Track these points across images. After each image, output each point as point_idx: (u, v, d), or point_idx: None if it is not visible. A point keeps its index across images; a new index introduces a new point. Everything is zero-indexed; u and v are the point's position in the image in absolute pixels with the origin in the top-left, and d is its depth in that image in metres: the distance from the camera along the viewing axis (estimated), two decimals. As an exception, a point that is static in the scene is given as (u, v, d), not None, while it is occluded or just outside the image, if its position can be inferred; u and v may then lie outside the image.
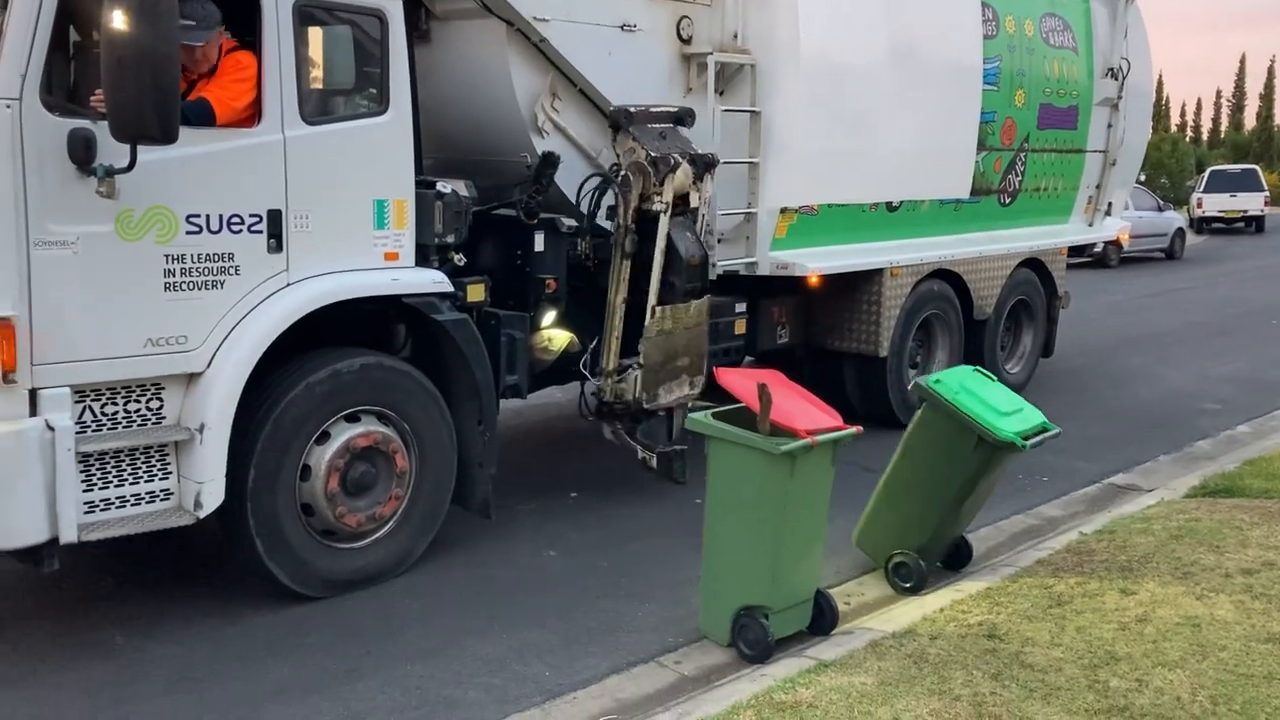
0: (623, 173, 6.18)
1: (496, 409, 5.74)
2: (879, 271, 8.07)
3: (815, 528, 4.76)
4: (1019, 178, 9.36)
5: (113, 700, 4.27)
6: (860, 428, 4.77)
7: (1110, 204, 10.71)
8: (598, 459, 7.29)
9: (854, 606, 5.22)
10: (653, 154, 6.09)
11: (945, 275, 8.75)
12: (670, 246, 6.07)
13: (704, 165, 6.28)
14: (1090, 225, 10.62)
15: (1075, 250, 11.22)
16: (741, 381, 4.71)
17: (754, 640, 4.61)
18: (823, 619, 4.87)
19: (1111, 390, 10.41)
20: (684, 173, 6.13)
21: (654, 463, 6.17)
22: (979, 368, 5.64)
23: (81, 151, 4.16)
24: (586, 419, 6.55)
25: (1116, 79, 10.10)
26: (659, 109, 6.43)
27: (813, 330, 8.34)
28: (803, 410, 4.73)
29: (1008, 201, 9.37)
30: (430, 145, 6.61)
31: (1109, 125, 10.23)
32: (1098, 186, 10.42)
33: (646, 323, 6.07)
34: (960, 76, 8.46)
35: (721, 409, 4.81)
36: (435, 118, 6.59)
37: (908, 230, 8.43)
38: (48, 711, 4.21)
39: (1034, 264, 9.83)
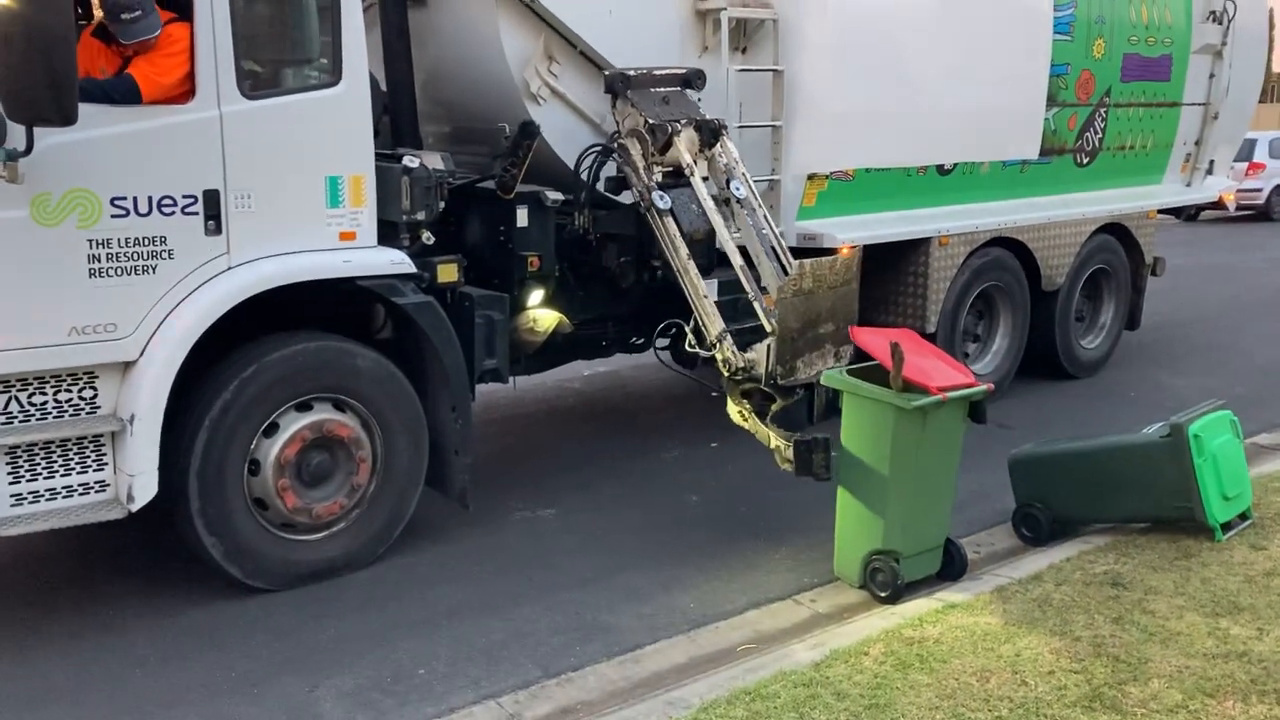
0: (620, 140, 5.77)
1: (471, 394, 5.45)
2: (925, 241, 7.45)
3: (946, 479, 4.99)
4: (1099, 135, 8.52)
5: (317, 614, 4.81)
6: (992, 385, 5.06)
7: (1212, 162, 9.71)
8: None
9: (983, 555, 5.44)
10: (650, 120, 5.66)
11: (1007, 243, 8.06)
12: (672, 219, 5.61)
13: (710, 131, 5.79)
14: (1189, 185, 9.66)
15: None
16: (875, 339, 5.04)
17: (885, 582, 4.88)
18: (952, 565, 5.10)
19: (1246, 350, 9.92)
20: (687, 139, 5.66)
21: (789, 453, 5.10)
22: (1235, 418, 5.56)
23: (-14, 135, 3.99)
24: (711, 395, 6.13)
25: (1220, 23, 9.08)
26: (663, 71, 5.97)
27: (856, 304, 7.78)
28: (935, 367, 4.97)
29: (1085, 161, 8.55)
30: (427, 113, 6.36)
31: (1211, 75, 9.23)
32: (1197, 143, 9.44)
33: (780, 283, 5.30)
34: (1025, 25, 7.70)
35: (855, 365, 5.08)
36: (432, 84, 6.32)
37: (964, 195, 7.75)
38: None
39: (1117, 229, 8.98)
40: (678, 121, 5.69)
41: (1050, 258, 8.32)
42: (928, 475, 4.86)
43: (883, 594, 4.88)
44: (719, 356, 5.45)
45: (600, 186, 6.00)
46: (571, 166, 6.06)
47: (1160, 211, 9.51)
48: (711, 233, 5.95)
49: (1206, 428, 5.28)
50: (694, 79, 6.04)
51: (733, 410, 5.48)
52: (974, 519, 5.79)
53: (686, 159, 5.62)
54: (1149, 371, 9.23)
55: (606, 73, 5.86)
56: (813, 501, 5.73)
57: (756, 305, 5.46)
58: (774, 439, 5.23)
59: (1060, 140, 8.25)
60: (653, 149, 5.68)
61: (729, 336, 5.46)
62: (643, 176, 5.65)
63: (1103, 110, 8.45)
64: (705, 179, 5.86)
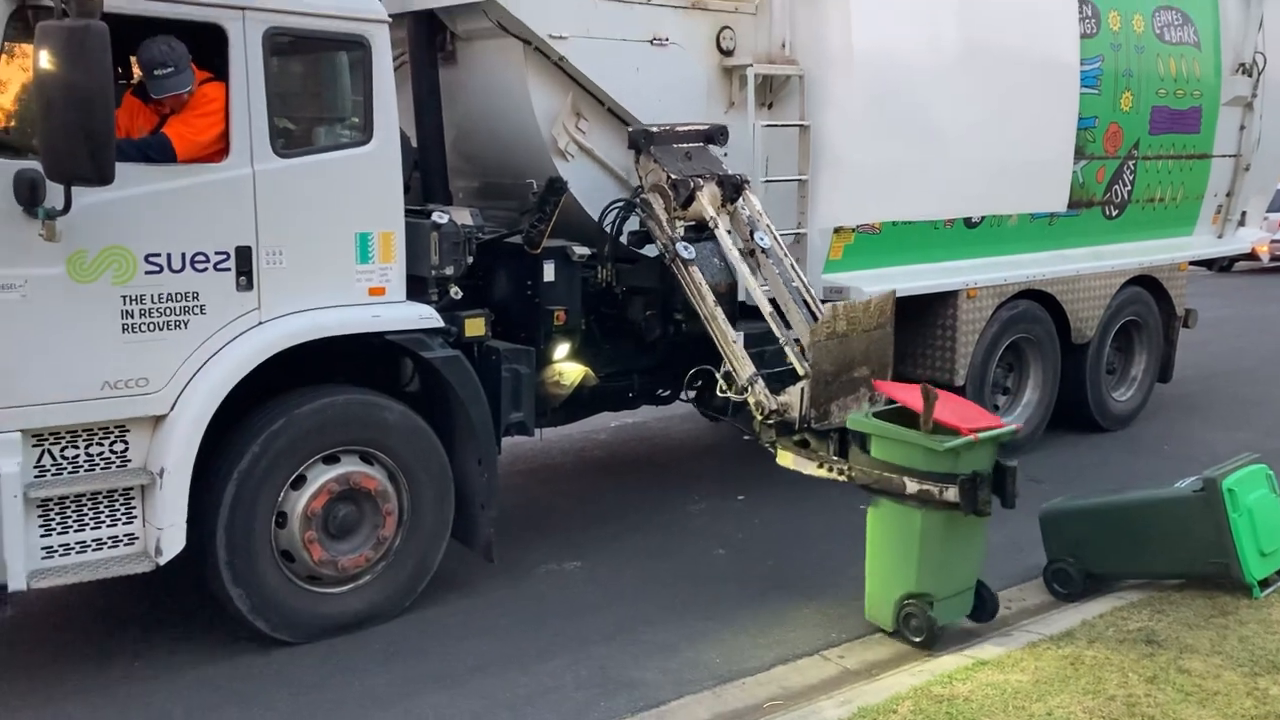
0: (643, 195, 5.83)
1: (497, 448, 5.47)
2: (954, 293, 7.44)
3: (977, 522, 4.93)
4: (1128, 188, 8.51)
5: (342, 667, 4.81)
6: (1019, 425, 5.17)
7: (1244, 213, 9.65)
8: (763, 464, 7.10)
9: (1015, 610, 5.40)
10: (673, 176, 5.71)
11: (1036, 295, 8.03)
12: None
13: (732, 186, 5.84)
14: (1220, 237, 9.60)
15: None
16: (899, 388, 5.17)
17: (919, 627, 4.87)
18: (983, 608, 5.13)
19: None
20: (710, 194, 5.72)
21: (949, 495, 4.72)
22: (1271, 472, 5.50)
23: (26, 193, 4.07)
24: (743, 438, 6.19)
25: (1250, 75, 9.08)
26: (686, 128, 6.03)
27: (884, 356, 7.76)
28: (962, 410, 5.06)
29: (1114, 214, 8.53)
30: (458, 169, 6.45)
31: (1241, 127, 9.22)
32: (1228, 194, 9.41)
33: (812, 326, 5.33)
34: (1051, 79, 7.71)
35: (879, 409, 5.15)
36: (462, 140, 6.41)
37: (991, 248, 7.75)
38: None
39: (1148, 281, 8.93)
40: (700, 177, 5.75)
41: (1080, 310, 8.27)
42: (960, 517, 4.83)
43: (917, 639, 4.86)
44: (751, 400, 5.45)
45: (624, 240, 6.05)
46: (594, 218, 6.11)
47: (1192, 263, 9.46)
48: (733, 286, 6.01)
49: (1242, 482, 5.22)
50: (716, 135, 6.10)
51: (785, 458, 5.43)
52: (1006, 573, 5.74)
53: (709, 213, 5.66)
54: (1182, 424, 9.14)
55: (630, 129, 5.93)
56: (839, 552, 5.75)
57: (788, 349, 5.49)
58: (828, 470, 5.20)
59: (1089, 193, 8.23)
60: (675, 204, 5.73)
61: (760, 380, 5.47)
62: (666, 230, 5.69)
63: (1131, 163, 8.44)
64: (729, 232, 5.91)
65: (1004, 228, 7.78)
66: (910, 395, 4.88)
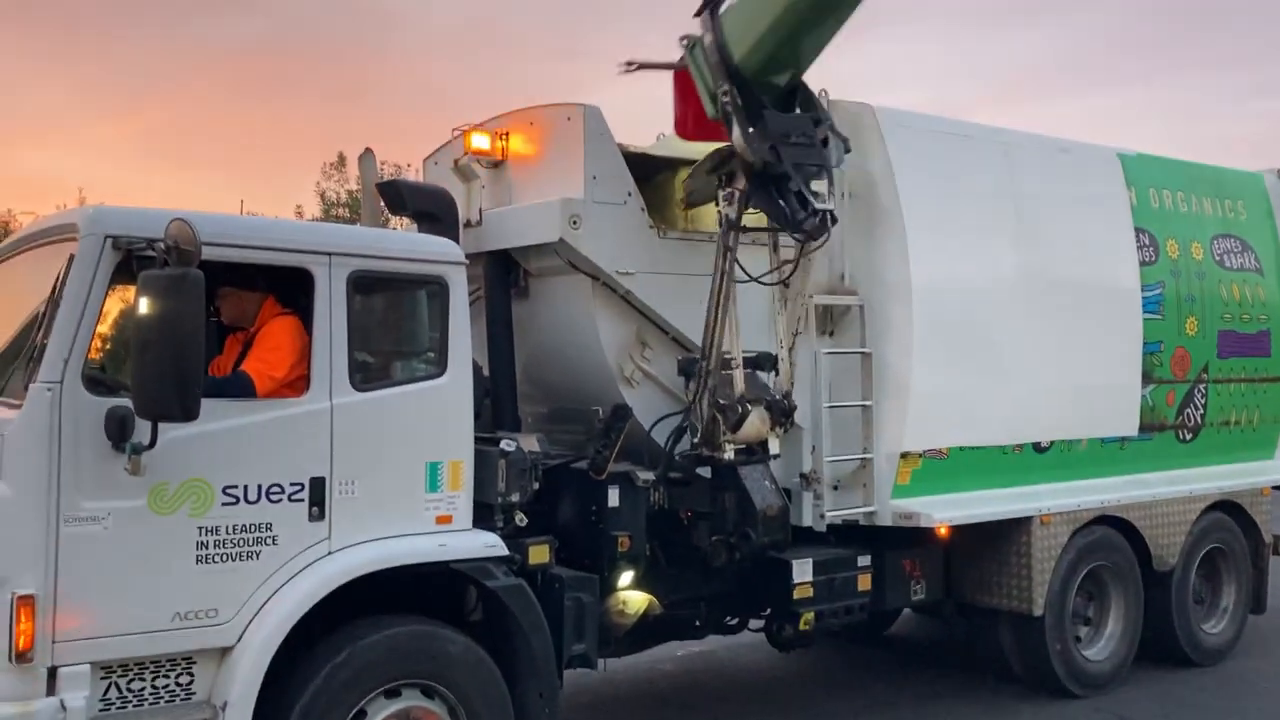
0: (689, 421, 5.94)
1: (559, 680, 5.36)
2: (1027, 520, 7.29)
3: None
4: (1200, 411, 8.40)
5: None
6: None
7: (1326, 435, 9.41)
8: (839, 698, 7.14)
9: None
10: (722, 401, 5.83)
11: (1113, 522, 7.82)
12: (745, 495, 5.69)
13: (782, 411, 5.95)
14: (1303, 459, 9.35)
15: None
16: None
17: None
18: None
19: None
20: (759, 417, 5.81)
21: None
22: None
23: (116, 429, 4.25)
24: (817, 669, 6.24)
25: (1316, 298, 9.06)
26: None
27: (957, 584, 7.55)
28: None
29: (1188, 438, 8.39)
30: (527, 394, 6.62)
31: (1313, 349, 9.13)
32: (1307, 416, 9.22)
33: None
34: (1113, 304, 7.80)
35: None
36: (532, 368, 6.61)
37: (1064, 472, 7.63)
38: None
39: (1230, 506, 8.67)
40: (749, 401, 5.84)
41: (1160, 537, 8.03)
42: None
43: None
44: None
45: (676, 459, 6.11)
46: (662, 444, 6.19)
47: (1276, 488, 9.18)
48: (785, 509, 6.04)
49: None
50: (764, 362, 6.22)
51: None
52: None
53: (760, 437, 5.77)
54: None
55: (679, 358, 6.09)
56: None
57: None
58: None
59: (1160, 416, 8.14)
60: (725, 427, 5.82)
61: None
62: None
63: (1202, 386, 8.37)
64: (777, 456, 5.98)
65: (1075, 452, 7.68)
66: None
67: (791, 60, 5.93)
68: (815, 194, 5.85)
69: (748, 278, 5.98)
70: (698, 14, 5.96)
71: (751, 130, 5.71)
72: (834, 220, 5.98)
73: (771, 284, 6.15)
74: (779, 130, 5.77)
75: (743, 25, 5.79)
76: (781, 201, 5.80)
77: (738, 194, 5.88)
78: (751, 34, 5.75)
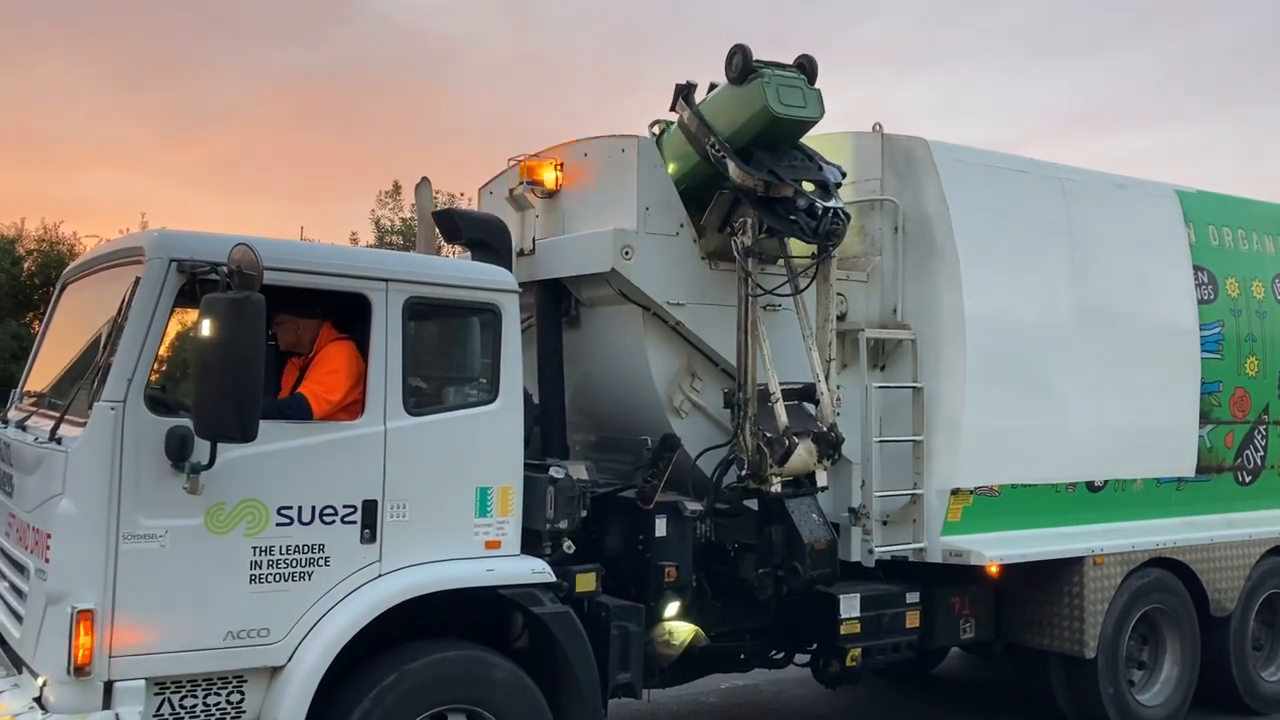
0: (735, 454, 5.94)
1: (603, 710, 5.35)
2: (1079, 560, 7.17)
3: None
4: (1260, 453, 8.24)
5: None
6: None
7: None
8: None
9: None
10: (768, 434, 5.83)
11: (1169, 564, 7.67)
12: (792, 529, 5.67)
13: (828, 443, 5.93)
14: (1366, 505, 9.11)
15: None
16: None
17: None
18: None
19: None
20: (805, 450, 5.81)
21: None
22: None
23: (177, 448, 4.34)
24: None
25: (1380, 340, 8.87)
26: (782, 387, 6.16)
27: (1006, 623, 7.44)
28: None
29: (1248, 480, 8.23)
30: (576, 423, 6.65)
31: (1376, 392, 8.92)
32: (1371, 461, 8.99)
33: None
34: (1170, 343, 7.70)
35: None
36: (581, 397, 6.64)
37: (1117, 512, 7.51)
38: None
39: (1289, 551, 8.47)
40: (796, 434, 5.83)
41: (1217, 580, 7.86)
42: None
43: None
44: None
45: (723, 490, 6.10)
46: (709, 475, 6.18)
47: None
48: (833, 543, 6.02)
49: None
50: (808, 394, 6.20)
51: None
52: None
53: (806, 469, 5.78)
54: (1344, 709, 8.39)
55: (725, 390, 6.09)
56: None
57: None
58: None
59: (1218, 458, 8.00)
60: (771, 460, 5.81)
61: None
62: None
63: (1262, 428, 8.22)
64: (824, 489, 5.95)
65: (1129, 492, 7.56)
66: None
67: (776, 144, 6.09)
68: (816, 195, 5.96)
69: (762, 291, 6.00)
70: (672, 108, 6.26)
71: (748, 164, 5.88)
72: (847, 218, 6.06)
73: (787, 295, 6.14)
74: (773, 162, 5.94)
75: (724, 121, 6.01)
76: (792, 217, 5.91)
77: (749, 222, 5.95)
78: (730, 128, 5.98)
